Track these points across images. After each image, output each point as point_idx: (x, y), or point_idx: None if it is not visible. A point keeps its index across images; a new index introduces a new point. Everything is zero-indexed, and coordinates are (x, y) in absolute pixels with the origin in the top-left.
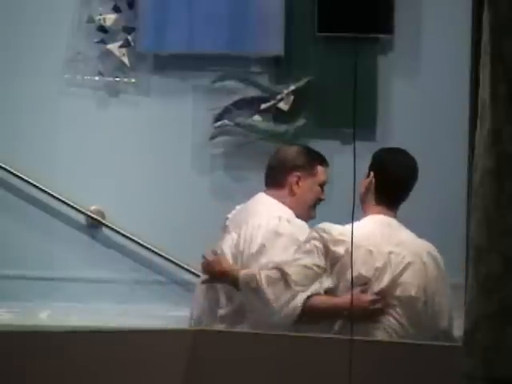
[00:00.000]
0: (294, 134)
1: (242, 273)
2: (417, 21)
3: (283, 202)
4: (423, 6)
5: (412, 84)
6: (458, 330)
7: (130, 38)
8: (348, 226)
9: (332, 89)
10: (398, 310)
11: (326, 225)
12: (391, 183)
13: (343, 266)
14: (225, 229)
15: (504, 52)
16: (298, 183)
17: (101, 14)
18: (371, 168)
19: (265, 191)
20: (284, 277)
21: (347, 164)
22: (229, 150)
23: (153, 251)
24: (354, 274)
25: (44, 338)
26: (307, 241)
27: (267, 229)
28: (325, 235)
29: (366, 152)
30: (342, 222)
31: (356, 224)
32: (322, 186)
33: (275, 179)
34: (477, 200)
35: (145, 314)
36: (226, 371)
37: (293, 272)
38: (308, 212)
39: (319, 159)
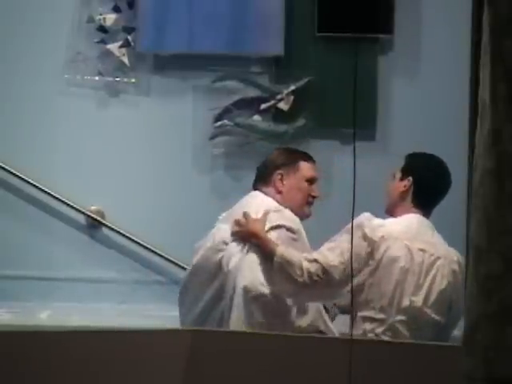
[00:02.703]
0: (293, 134)
1: (281, 251)
2: (417, 21)
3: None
4: (423, 5)
5: (412, 84)
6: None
7: (130, 37)
8: (386, 221)
9: (332, 89)
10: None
11: (365, 218)
12: (430, 189)
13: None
14: (217, 224)
15: (504, 52)
16: (281, 181)
17: (101, 14)
18: (408, 172)
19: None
20: (325, 275)
21: (347, 164)
22: (229, 150)
23: (153, 251)
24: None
25: (44, 338)
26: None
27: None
28: (366, 230)
29: (365, 152)
30: (341, 221)
31: (396, 220)
32: (310, 182)
33: (261, 179)
34: (477, 200)
35: (145, 314)
36: (225, 371)
37: (333, 271)
38: (300, 209)
39: (301, 155)
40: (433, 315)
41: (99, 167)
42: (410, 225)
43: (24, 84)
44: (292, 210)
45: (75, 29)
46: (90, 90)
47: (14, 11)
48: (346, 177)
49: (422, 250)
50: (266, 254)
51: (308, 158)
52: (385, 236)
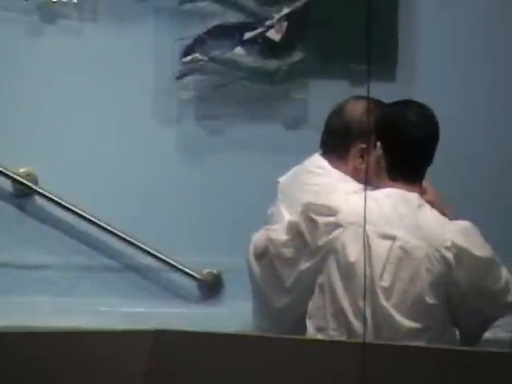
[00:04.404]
0: (287, 72)
1: None
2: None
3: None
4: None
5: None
6: None
7: None
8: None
9: (338, 11)
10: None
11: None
12: (405, 148)
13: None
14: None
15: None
16: (362, 157)
17: None
18: (376, 134)
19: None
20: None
21: None
22: (202, 94)
23: (106, 230)
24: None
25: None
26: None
27: None
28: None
29: None
30: None
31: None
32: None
33: (335, 147)
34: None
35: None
36: (225, 374)
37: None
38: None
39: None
40: (404, 321)
41: (32, 117)
42: (381, 205)
43: None
44: None
45: None
46: (18, 13)
47: None
48: None
49: (394, 237)
50: None
51: None
52: (336, 221)
